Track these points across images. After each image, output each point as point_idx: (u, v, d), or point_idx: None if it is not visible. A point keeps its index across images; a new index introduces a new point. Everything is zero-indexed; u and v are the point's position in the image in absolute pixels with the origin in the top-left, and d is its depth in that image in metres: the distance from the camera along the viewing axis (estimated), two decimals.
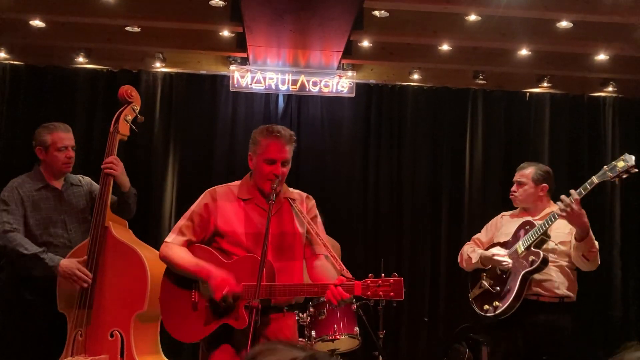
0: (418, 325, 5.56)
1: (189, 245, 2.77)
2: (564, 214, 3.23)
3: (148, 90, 5.52)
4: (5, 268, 3.46)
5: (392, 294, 2.53)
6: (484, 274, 3.61)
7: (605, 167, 3.26)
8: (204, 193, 2.84)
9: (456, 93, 5.79)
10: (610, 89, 5.70)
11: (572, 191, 3.23)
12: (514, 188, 3.68)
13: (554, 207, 3.49)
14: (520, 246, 3.45)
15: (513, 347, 3.46)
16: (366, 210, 5.70)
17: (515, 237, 3.53)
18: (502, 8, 4.26)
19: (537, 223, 3.44)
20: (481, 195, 5.74)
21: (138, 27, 4.86)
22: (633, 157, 3.18)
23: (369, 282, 2.55)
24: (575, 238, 3.35)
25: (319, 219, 2.93)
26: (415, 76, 5.55)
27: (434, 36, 4.86)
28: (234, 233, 2.72)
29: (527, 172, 3.65)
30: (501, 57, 5.25)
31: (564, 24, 4.55)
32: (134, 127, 3.39)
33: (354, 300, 4.27)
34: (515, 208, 3.76)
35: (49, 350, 3.23)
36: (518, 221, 3.62)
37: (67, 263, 3.19)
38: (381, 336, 4.65)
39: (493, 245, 3.65)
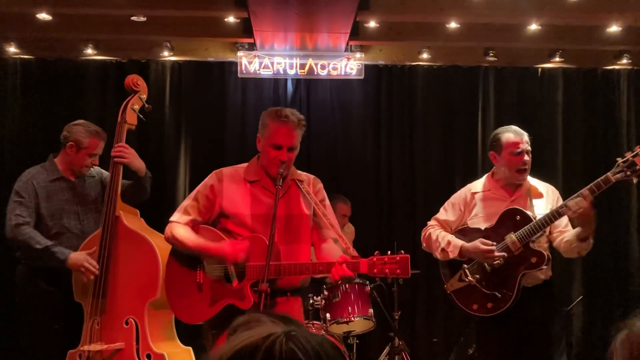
0: (434, 305, 5.55)
1: (193, 225, 2.77)
2: (574, 214, 2.91)
3: (157, 79, 5.51)
4: (20, 260, 3.52)
5: (398, 271, 2.50)
6: (466, 265, 3.19)
7: (619, 160, 2.88)
8: (211, 174, 2.84)
9: (467, 71, 5.70)
10: (624, 61, 5.55)
11: (583, 191, 2.90)
12: (527, 158, 3.20)
13: (528, 183, 3.24)
14: (514, 241, 3.06)
15: (505, 336, 3.16)
16: (379, 193, 5.66)
17: (503, 226, 3.10)
18: None
19: (532, 216, 3.06)
20: None
21: (144, 17, 4.84)
22: None
23: (375, 259, 2.54)
24: (577, 237, 3.02)
25: (327, 202, 2.92)
26: (425, 55, 5.48)
27: (442, 14, 4.79)
28: (240, 215, 2.71)
29: (527, 137, 3.27)
30: (511, 33, 5.14)
31: None
32: (141, 116, 3.41)
33: (367, 282, 4.28)
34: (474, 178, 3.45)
35: (67, 339, 3.29)
36: (495, 203, 3.22)
37: (77, 256, 3.23)
38: (397, 317, 4.65)
39: (465, 229, 3.27)
